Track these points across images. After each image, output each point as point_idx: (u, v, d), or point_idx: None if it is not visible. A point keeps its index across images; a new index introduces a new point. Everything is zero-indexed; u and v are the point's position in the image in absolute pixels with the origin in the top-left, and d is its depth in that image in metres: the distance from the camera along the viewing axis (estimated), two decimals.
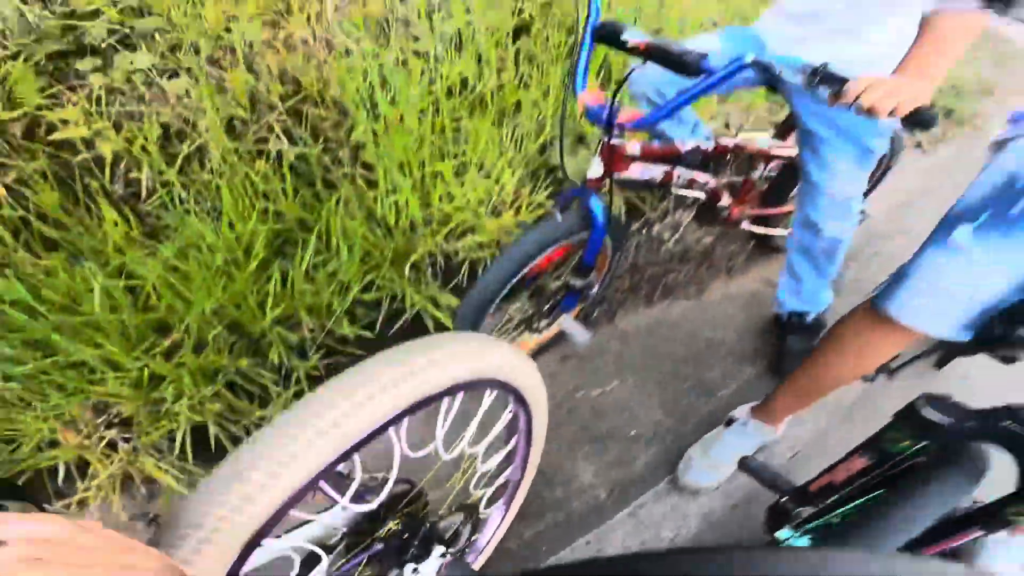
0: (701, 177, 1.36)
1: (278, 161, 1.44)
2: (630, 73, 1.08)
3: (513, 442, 0.93)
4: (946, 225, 0.92)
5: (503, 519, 1.08)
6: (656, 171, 1.25)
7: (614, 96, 1.02)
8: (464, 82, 1.69)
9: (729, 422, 1.36)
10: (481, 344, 0.69)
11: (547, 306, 1.42)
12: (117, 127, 1.36)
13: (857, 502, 0.87)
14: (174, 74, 1.47)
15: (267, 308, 1.25)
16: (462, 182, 1.53)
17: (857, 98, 0.80)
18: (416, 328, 1.46)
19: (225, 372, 1.19)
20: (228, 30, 1.55)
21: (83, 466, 1.12)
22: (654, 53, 0.97)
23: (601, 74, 1.96)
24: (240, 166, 1.38)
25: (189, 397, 1.13)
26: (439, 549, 0.82)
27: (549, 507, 1.29)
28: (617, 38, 1.02)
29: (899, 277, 0.97)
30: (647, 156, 1.20)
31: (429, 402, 0.63)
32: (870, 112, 0.80)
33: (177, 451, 1.15)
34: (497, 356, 0.70)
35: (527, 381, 0.79)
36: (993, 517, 0.73)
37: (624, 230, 1.68)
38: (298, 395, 1.26)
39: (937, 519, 0.72)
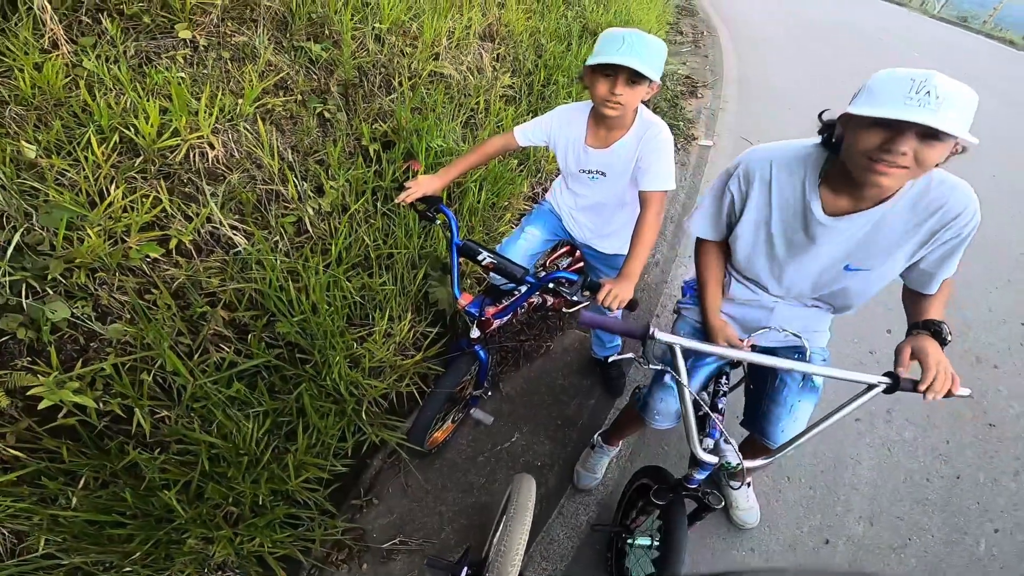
0: (534, 301, 2.08)
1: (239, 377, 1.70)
2: (488, 282, 1.76)
3: None
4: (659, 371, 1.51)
5: None
6: (507, 316, 1.90)
7: (482, 304, 1.70)
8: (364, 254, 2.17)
9: (592, 445, 2.07)
10: None
11: (461, 406, 2.11)
12: None
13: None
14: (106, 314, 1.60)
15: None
16: (376, 342, 2.03)
17: (602, 300, 1.36)
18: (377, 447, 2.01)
19: None
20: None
21: None
22: (498, 268, 1.53)
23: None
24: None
25: None
26: None
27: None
28: (474, 256, 1.53)
29: (651, 389, 1.57)
30: (501, 313, 1.76)
31: None
32: (609, 307, 1.36)
33: None
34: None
35: None
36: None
37: (497, 347, 2.37)
38: None
39: None
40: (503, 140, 1.73)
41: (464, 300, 1.67)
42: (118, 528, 1.36)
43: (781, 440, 1.44)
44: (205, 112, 1.88)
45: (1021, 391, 2.79)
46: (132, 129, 1.77)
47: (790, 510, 2.13)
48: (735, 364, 1.59)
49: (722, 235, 1.46)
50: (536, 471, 2.11)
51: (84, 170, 1.66)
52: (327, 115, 2.30)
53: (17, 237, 1.46)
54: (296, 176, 2.13)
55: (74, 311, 1.48)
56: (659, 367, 1.23)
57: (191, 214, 1.86)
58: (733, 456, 1.21)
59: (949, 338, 1.18)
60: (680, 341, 1.14)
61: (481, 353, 1.81)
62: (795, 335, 1.41)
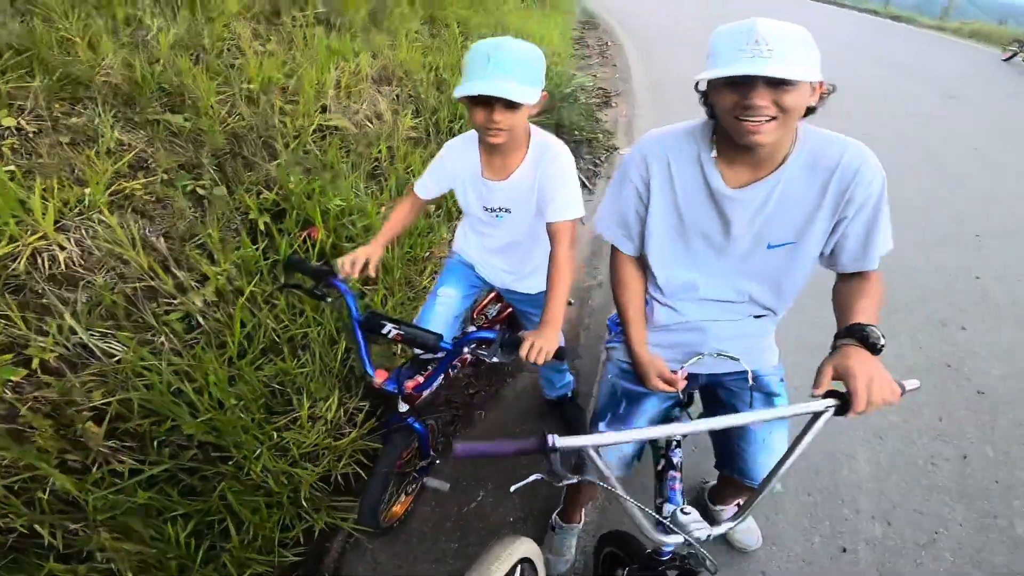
0: (467, 358, 1.85)
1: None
2: (407, 360, 1.56)
3: None
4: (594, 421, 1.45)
5: None
6: (439, 380, 1.65)
7: (399, 378, 1.49)
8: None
9: (552, 527, 1.84)
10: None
11: (412, 479, 1.88)
12: None
13: None
14: None
15: None
16: (304, 427, 1.85)
17: (526, 356, 1.24)
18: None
19: None
20: None
21: None
22: (407, 340, 1.39)
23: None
24: None
25: None
26: None
27: None
28: (379, 330, 1.39)
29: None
30: (424, 385, 1.56)
31: None
32: (535, 362, 1.24)
33: None
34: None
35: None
36: None
37: (440, 412, 2.14)
38: None
39: None
40: (408, 201, 1.61)
41: (379, 378, 1.50)
42: None
43: (763, 476, 1.25)
44: (41, 209, 1.60)
45: (998, 350, 2.72)
46: None
47: (794, 523, 1.92)
48: (685, 405, 1.45)
49: (635, 244, 1.33)
50: (510, 526, 1.93)
51: None
52: (201, 192, 2.04)
53: None
54: (173, 267, 1.87)
55: None
56: (575, 479, 1.00)
57: (48, 329, 1.63)
58: (700, 529, 1.03)
59: (881, 342, 1.02)
60: (590, 440, 0.93)
61: (416, 426, 1.62)
62: (733, 358, 1.28)
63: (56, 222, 1.68)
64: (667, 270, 1.30)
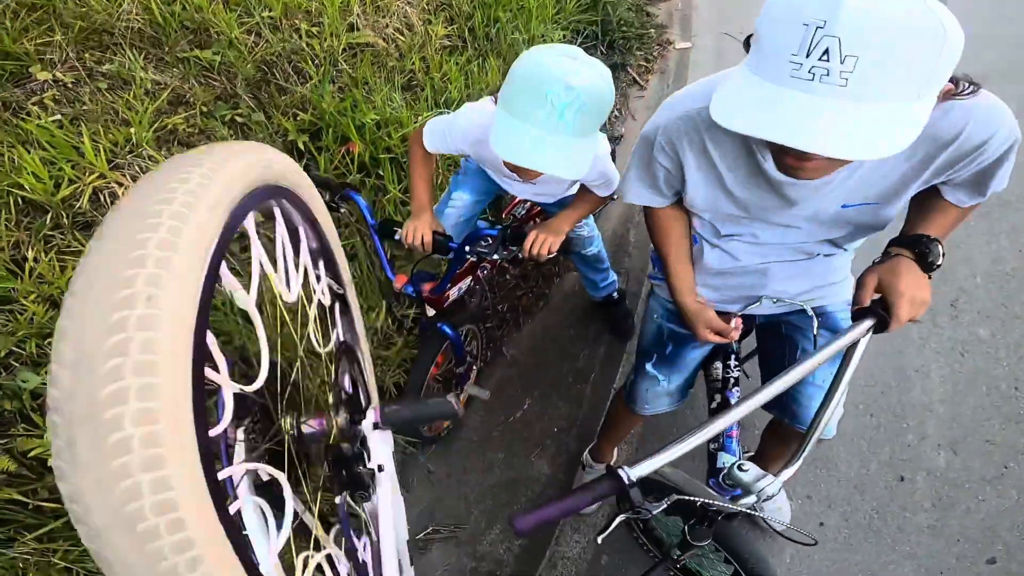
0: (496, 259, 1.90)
1: None
2: (420, 260, 1.57)
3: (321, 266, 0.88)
4: (639, 358, 1.37)
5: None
6: (465, 283, 1.76)
7: (413, 278, 1.54)
8: None
9: (583, 465, 1.85)
10: (253, 147, 0.59)
11: (454, 386, 1.95)
12: None
13: None
14: None
15: None
16: None
17: (528, 250, 1.30)
18: None
19: None
20: None
21: None
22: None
23: None
24: None
25: None
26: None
27: (533, 500, 1.83)
28: (392, 235, 1.44)
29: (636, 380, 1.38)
30: (455, 283, 1.65)
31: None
32: (538, 256, 1.30)
33: None
34: (276, 159, 0.60)
35: (302, 183, 0.72)
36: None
37: (478, 314, 2.19)
38: None
39: None
40: (419, 147, 1.46)
41: (398, 282, 1.55)
42: None
43: (806, 419, 1.17)
44: (93, 152, 1.73)
45: None
46: (25, 188, 1.65)
47: (849, 445, 1.81)
48: (743, 335, 1.29)
49: (672, 198, 1.14)
50: (554, 436, 2.00)
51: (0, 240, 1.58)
52: (240, 119, 2.10)
53: None
54: None
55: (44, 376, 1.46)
56: (663, 504, 0.86)
57: None
58: (767, 484, 0.86)
59: (939, 262, 0.88)
60: (665, 458, 0.78)
61: (446, 330, 1.66)
62: (798, 306, 1.14)
63: (109, 162, 1.78)
64: (718, 219, 1.11)
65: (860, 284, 0.91)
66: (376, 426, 0.79)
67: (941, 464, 1.75)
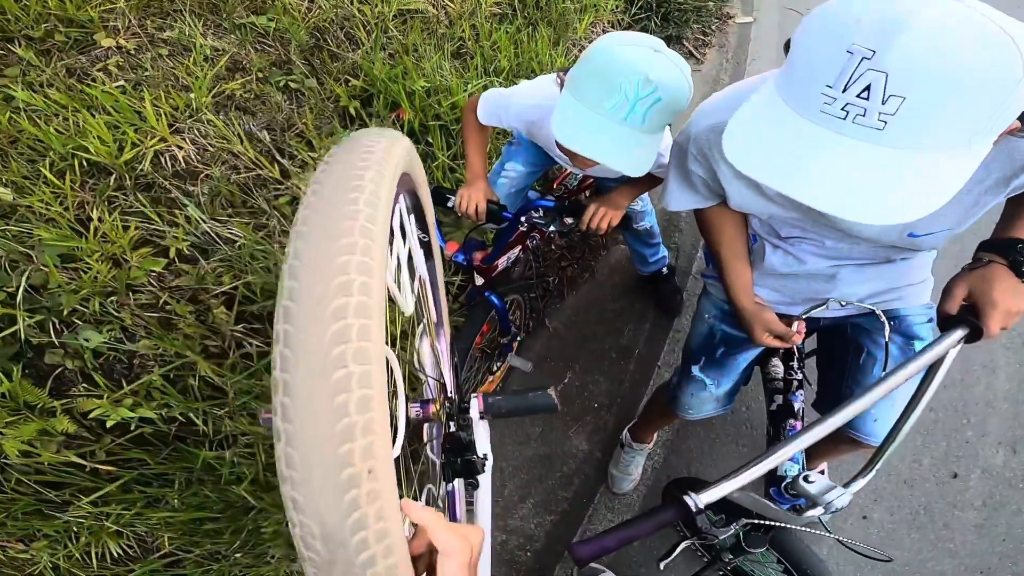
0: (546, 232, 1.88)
1: None
2: (474, 228, 1.57)
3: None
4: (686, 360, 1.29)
5: None
6: (514, 253, 1.74)
7: (464, 246, 1.54)
8: None
9: (622, 444, 1.82)
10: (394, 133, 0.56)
11: (496, 356, 1.96)
12: None
13: None
14: None
15: None
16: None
17: (588, 223, 1.29)
18: None
19: None
20: None
21: None
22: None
23: None
24: None
25: None
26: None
27: (568, 476, 1.84)
28: (444, 203, 1.44)
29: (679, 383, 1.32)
30: (490, 257, 1.62)
31: None
32: (597, 230, 1.29)
33: None
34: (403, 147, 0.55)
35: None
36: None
37: (524, 285, 2.15)
38: None
39: None
40: (473, 115, 1.43)
41: (449, 249, 1.57)
42: (212, 523, 1.44)
43: (877, 433, 1.08)
44: (154, 115, 1.79)
45: None
46: (91, 151, 1.73)
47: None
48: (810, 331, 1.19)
49: (714, 201, 1.07)
50: (594, 412, 1.98)
51: (66, 201, 1.65)
52: (294, 85, 2.13)
53: (24, 281, 1.49)
54: (277, 156, 2.01)
55: (107, 335, 1.52)
56: (732, 528, 0.82)
57: (177, 220, 1.82)
58: (837, 496, 0.81)
59: None
60: (734, 485, 0.73)
61: (494, 299, 1.67)
62: (868, 309, 1.05)
63: (170, 126, 1.85)
64: (775, 222, 1.04)
65: (948, 292, 0.85)
66: (481, 416, 0.78)
67: (998, 463, 1.68)
